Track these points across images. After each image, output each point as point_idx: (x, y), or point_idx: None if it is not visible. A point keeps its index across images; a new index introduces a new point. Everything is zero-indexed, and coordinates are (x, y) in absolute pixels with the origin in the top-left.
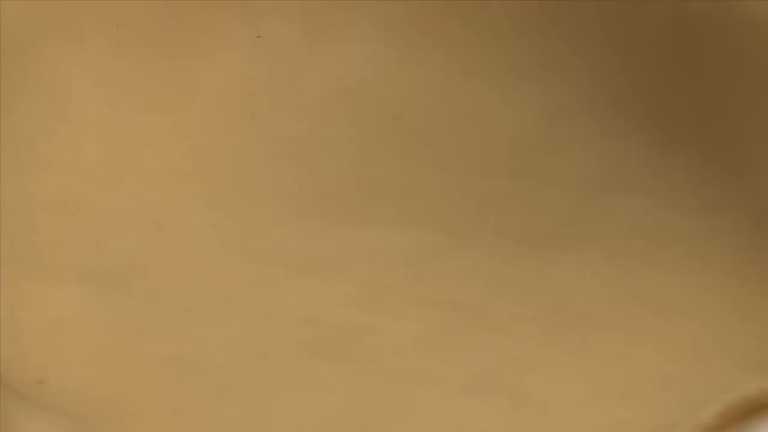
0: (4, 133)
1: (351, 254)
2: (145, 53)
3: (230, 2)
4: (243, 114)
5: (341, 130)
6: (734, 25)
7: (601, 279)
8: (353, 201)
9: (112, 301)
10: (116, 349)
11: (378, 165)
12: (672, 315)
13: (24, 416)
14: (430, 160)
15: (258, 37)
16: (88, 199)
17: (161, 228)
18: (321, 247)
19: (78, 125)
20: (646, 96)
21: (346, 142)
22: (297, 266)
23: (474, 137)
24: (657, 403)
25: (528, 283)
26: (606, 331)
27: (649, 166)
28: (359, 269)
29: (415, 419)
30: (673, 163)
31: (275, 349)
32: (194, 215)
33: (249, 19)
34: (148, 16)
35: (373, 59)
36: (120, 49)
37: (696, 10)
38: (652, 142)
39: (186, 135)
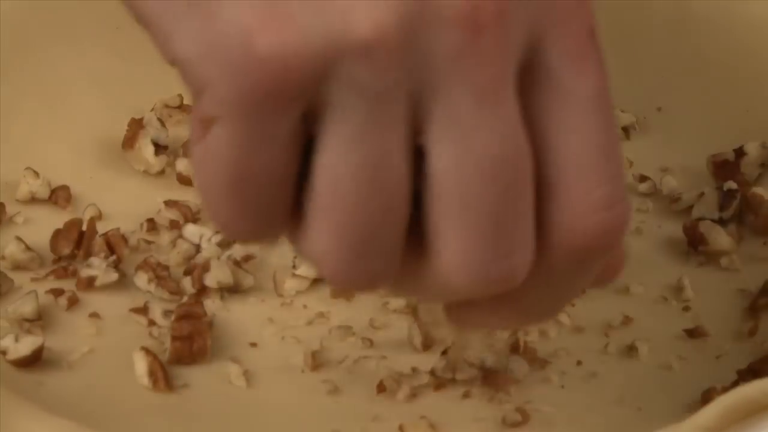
0: (4, 133)
1: None
2: (144, 55)
3: None
4: None
5: None
6: (734, 25)
7: None
8: None
9: (113, 301)
10: (116, 349)
11: None
12: (672, 315)
13: (24, 416)
14: None
15: None
16: (88, 199)
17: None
18: None
19: (77, 126)
20: (646, 96)
21: None
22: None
23: None
24: (657, 403)
25: None
26: (606, 331)
27: (649, 166)
28: None
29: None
30: (672, 163)
31: (275, 348)
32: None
33: None
34: None
35: None
36: (119, 51)
37: (697, 10)
38: (651, 141)
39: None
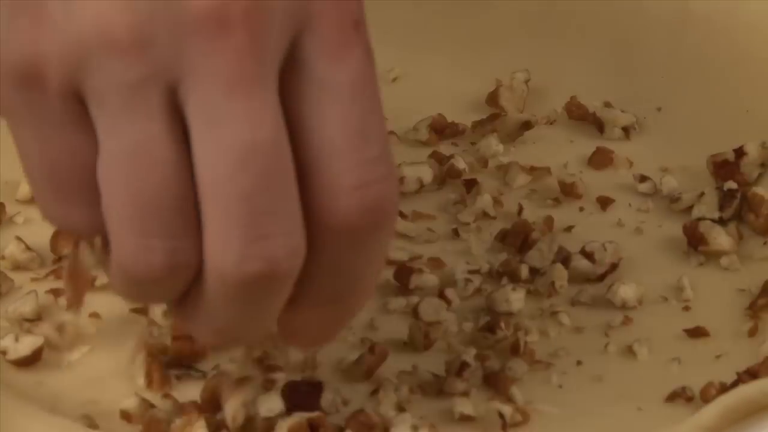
0: (4, 132)
1: None
2: None
3: None
4: None
5: None
6: (734, 25)
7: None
8: None
9: (113, 301)
10: (116, 349)
11: None
12: (672, 315)
13: (24, 416)
14: None
15: None
16: None
17: None
18: None
19: None
20: (646, 96)
21: None
22: None
23: None
24: (657, 403)
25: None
26: (606, 331)
27: (649, 166)
28: None
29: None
30: (672, 163)
31: None
32: None
33: None
34: None
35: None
36: None
37: (697, 10)
38: (651, 141)
39: None
